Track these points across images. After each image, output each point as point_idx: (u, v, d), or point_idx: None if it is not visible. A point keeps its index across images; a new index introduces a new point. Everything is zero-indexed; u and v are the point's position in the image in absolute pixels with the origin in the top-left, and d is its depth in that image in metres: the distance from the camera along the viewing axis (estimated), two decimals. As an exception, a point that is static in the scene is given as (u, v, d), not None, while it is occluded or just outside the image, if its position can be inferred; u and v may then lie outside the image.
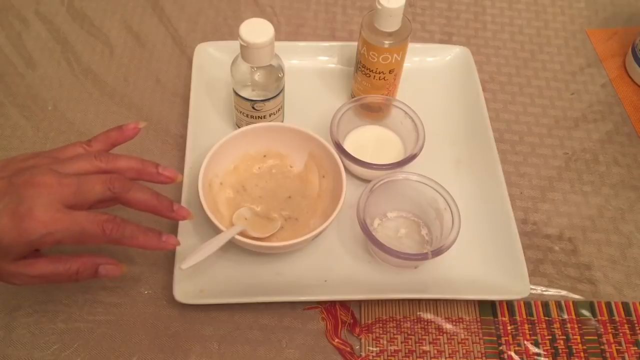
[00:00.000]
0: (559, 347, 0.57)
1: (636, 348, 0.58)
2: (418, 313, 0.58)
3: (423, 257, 0.55)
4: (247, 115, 0.63)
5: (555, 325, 0.59)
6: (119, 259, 0.59)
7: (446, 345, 0.57)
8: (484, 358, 0.56)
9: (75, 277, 0.47)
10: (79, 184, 0.46)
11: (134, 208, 0.49)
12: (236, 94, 0.62)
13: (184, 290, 0.55)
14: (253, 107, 0.62)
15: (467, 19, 0.84)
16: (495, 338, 0.57)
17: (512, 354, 0.57)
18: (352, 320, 0.57)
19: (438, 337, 0.57)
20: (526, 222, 0.65)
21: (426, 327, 0.58)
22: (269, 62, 0.59)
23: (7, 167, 0.47)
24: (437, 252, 0.55)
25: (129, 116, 0.69)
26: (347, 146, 0.64)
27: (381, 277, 0.59)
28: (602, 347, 0.58)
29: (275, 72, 0.60)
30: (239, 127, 0.65)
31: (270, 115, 0.63)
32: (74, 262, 0.47)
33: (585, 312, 0.59)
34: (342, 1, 0.84)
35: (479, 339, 0.57)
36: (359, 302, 0.58)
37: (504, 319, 0.58)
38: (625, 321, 0.59)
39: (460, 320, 0.58)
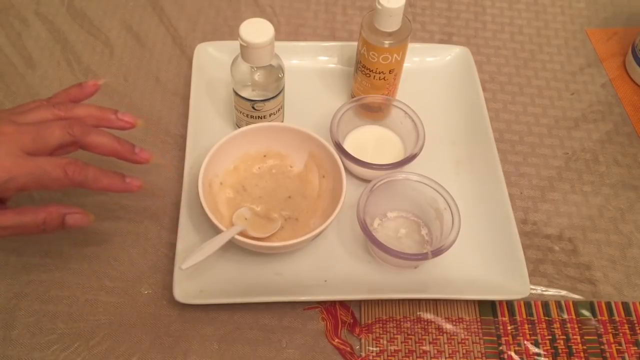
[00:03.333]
0: (559, 347, 0.57)
1: (636, 348, 0.58)
2: (418, 313, 0.58)
3: (423, 257, 0.55)
4: (247, 115, 0.63)
5: (555, 325, 0.59)
6: (119, 259, 0.59)
7: (446, 345, 0.57)
8: (484, 358, 0.56)
9: (42, 227, 0.48)
10: (38, 130, 0.47)
11: (96, 152, 0.50)
12: (236, 94, 0.62)
13: (184, 290, 0.55)
14: (253, 107, 0.62)
15: (467, 19, 0.84)
16: (495, 338, 0.57)
17: (512, 354, 0.57)
18: (352, 320, 0.57)
19: (438, 337, 0.57)
20: (526, 222, 0.65)
21: (426, 327, 0.58)
22: (269, 62, 0.59)
23: None
24: (437, 252, 0.55)
25: (129, 116, 0.69)
26: (347, 146, 0.64)
27: (381, 277, 0.59)
28: (602, 347, 0.58)
29: (275, 72, 0.60)
30: (239, 127, 0.65)
31: (270, 115, 0.63)
32: (40, 212, 0.47)
33: (585, 312, 0.59)
34: (342, 1, 0.84)
35: (479, 339, 0.57)
36: (359, 302, 0.58)
37: (504, 319, 0.58)
38: (625, 321, 0.59)
39: (460, 320, 0.58)
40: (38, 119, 0.48)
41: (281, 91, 0.62)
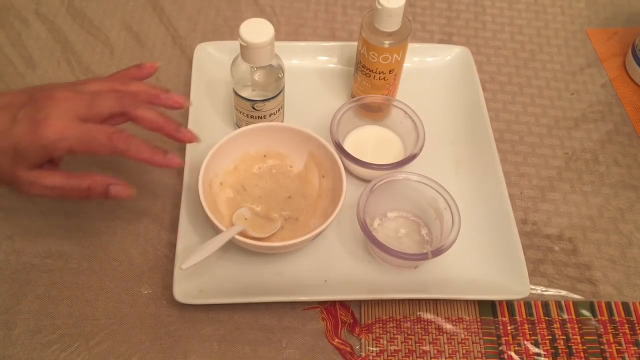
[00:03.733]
0: (559, 347, 0.57)
1: (636, 348, 0.58)
2: (418, 313, 0.58)
3: (423, 257, 0.55)
4: (247, 115, 0.63)
5: (555, 325, 0.59)
6: (119, 259, 0.59)
7: (446, 345, 0.57)
8: (484, 358, 0.56)
9: (86, 193, 0.50)
10: (92, 98, 0.50)
11: (142, 125, 0.52)
12: (236, 94, 0.62)
13: (184, 290, 0.55)
14: (253, 107, 0.62)
15: (467, 19, 0.84)
16: (495, 338, 0.57)
17: (512, 354, 0.57)
18: (352, 320, 0.57)
19: (438, 337, 0.57)
20: (526, 222, 0.65)
21: (426, 327, 0.58)
22: (269, 62, 0.59)
23: (30, 88, 0.52)
24: (437, 252, 0.55)
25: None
26: (347, 146, 0.64)
27: (381, 277, 0.59)
28: (602, 347, 0.58)
29: (275, 72, 0.60)
30: (239, 127, 0.65)
31: (270, 115, 0.63)
32: (86, 178, 0.50)
33: (585, 312, 0.59)
34: (342, 1, 0.84)
35: (479, 339, 0.57)
36: (359, 302, 0.58)
37: (504, 319, 0.58)
38: (625, 321, 0.59)
39: (460, 320, 0.58)
40: (94, 89, 0.52)
41: (281, 91, 0.62)
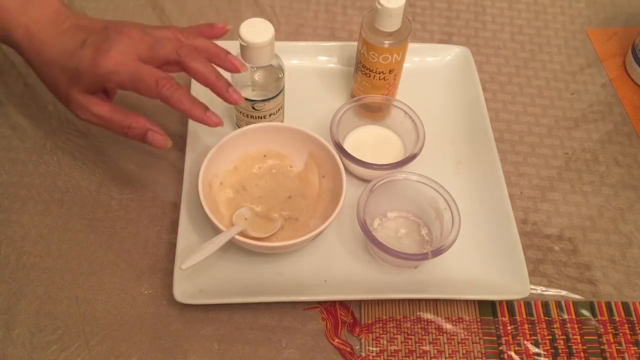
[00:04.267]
0: (559, 347, 0.57)
1: (636, 348, 0.58)
2: (418, 313, 0.58)
3: (423, 257, 0.55)
4: (247, 115, 0.63)
5: (555, 325, 0.59)
6: (119, 259, 0.59)
7: (446, 345, 0.57)
8: (484, 358, 0.56)
9: (126, 131, 0.53)
10: (155, 41, 0.53)
11: (194, 77, 0.53)
12: (236, 94, 0.62)
13: (184, 290, 0.55)
14: (253, 107, 0.62)
15: (467, 19, 0.84)
16: (495, 338, 0.57)
17: (512, 354, 0.57)
18: (352, 320, 0.57)
19: (438, 337, 0.57)
20: (526, 222, 0.65)
21: (426, 327, 0.58)
22: (269, 62, 0.59)
23: (109, 20, 0.55)
24: (437, 252, 0.55)
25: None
26: (347, 146, 0.64)
27: (381, 277, 0.59)
28: (602, 347, 0.58)
29: (275, 72, 0.60)
30: (239, 127, 0.65)
31: (270, 115, 0.63)
32: (130, 117, 0.53)
33: (585, 312, 0.59)
34: (342, 1, 0.84)
35: (479, 339, 0.57)
36: (359, 302, 0.58)
37: (504, 319, 0.58)
38: (625, 321, 0.59)
39: (460, 320, 0.58)
40: (161, 35, 0.54)
41: (281, 91, 0.62)
